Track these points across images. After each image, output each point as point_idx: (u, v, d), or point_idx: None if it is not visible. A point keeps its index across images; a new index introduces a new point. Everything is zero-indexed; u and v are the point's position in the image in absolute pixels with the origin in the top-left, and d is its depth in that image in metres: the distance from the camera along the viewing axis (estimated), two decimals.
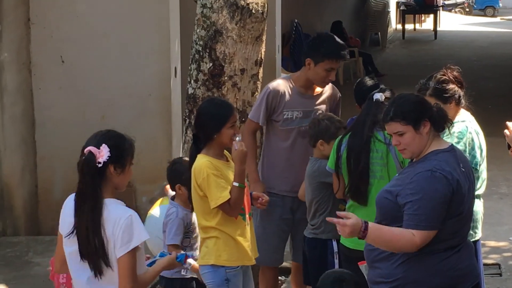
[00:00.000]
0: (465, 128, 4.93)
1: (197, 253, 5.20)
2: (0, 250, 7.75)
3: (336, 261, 5.30)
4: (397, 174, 4.36)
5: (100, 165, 3.73)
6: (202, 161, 4.84)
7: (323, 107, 5.88)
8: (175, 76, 8.55)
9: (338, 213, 3.98)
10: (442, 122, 4.02)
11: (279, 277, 6.42)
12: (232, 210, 4.77)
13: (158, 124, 8.55)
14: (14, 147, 8.41)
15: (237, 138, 5.09)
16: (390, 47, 21.44)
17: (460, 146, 4.75)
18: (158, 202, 5.79)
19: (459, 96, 5.00)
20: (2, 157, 8.25)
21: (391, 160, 4.95)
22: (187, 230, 5.28)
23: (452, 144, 4.32)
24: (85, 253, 3.67)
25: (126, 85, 8.21)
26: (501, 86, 14.52)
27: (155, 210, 5.72)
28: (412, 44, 22.08)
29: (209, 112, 4.99)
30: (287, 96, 5.87)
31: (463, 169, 4.02)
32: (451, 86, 4.99)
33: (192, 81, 6.47)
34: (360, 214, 4.41)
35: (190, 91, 6.49)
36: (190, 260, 4.67)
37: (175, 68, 8.55)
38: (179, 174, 5.33)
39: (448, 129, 4.22)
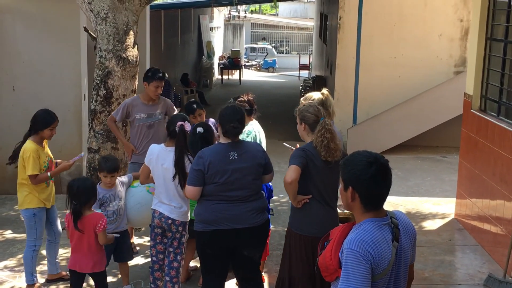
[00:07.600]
0: (252, 129, 5.68)
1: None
2: None
3: None
4: None
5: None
6: (30, 145, 5.49)
7: (158, 110, 6.62)
8: (84, 99, 9.43)
9: None
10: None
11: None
12: (36, 181, 5.46)
13: (74, 128, 9.37)
14: None
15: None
16: (214, 89, 26.28)
17: (249, 139, 5.47)
18: (135, 181, 5.84)
19: (251, 111, 5.71)
20: None
21: None
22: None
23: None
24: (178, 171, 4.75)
25: (55, 104, 8.37)
26: (277, 111, 18.59)
27: (136, 185, 5.74)
28: (227, 87, 27.07)
29: (42, 116, 5.56)
30: (136, 105, 6.60)
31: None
32: (245, 104, 5.66)
33: (94, 101, 7.09)
34: None
35: (92, 107, 7.10)
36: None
37: (84, 94, 9.47)
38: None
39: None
